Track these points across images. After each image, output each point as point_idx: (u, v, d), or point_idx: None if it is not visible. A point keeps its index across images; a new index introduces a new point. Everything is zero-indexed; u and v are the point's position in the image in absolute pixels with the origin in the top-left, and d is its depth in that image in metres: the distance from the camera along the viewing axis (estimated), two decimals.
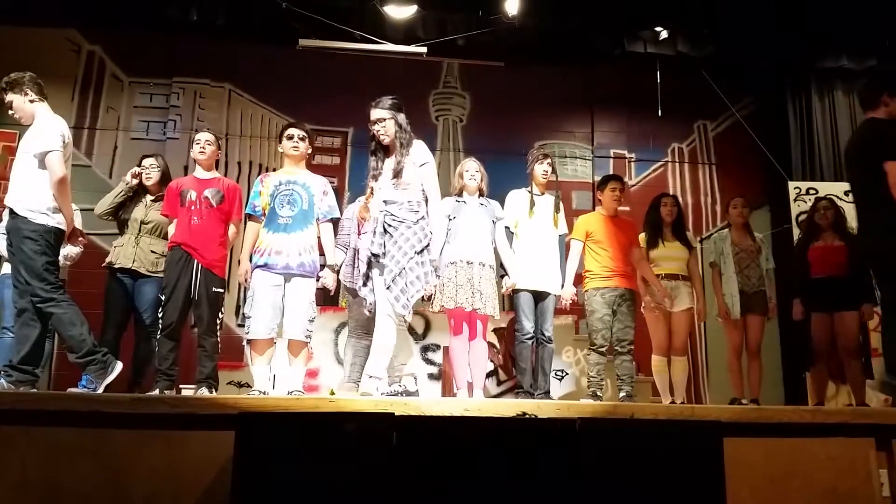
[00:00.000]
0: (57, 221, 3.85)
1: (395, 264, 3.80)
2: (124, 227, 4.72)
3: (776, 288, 5.44)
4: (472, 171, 4.74)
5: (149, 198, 4.79)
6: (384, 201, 3.91)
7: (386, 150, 4.00)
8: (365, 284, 3.93)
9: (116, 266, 4.61)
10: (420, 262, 3.86)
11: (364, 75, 7.64)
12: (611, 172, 7.57)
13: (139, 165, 4.83)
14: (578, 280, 5.13)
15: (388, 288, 3.78)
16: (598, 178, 6.16)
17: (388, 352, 3.85)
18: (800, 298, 5.30)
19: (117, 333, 4.57)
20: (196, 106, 7.53)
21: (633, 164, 8.16)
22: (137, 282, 4.61)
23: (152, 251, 4.64)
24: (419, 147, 4.00)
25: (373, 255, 3.86)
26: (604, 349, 4.94)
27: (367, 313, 4.01)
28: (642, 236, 5.34)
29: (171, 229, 4.46)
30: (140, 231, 4.67)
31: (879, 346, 6.27)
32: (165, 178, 4.83)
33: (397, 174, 3.90)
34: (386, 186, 3.93)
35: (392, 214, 3.88)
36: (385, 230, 3.85)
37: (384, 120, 3.94)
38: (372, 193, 4.57)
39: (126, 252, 4.61)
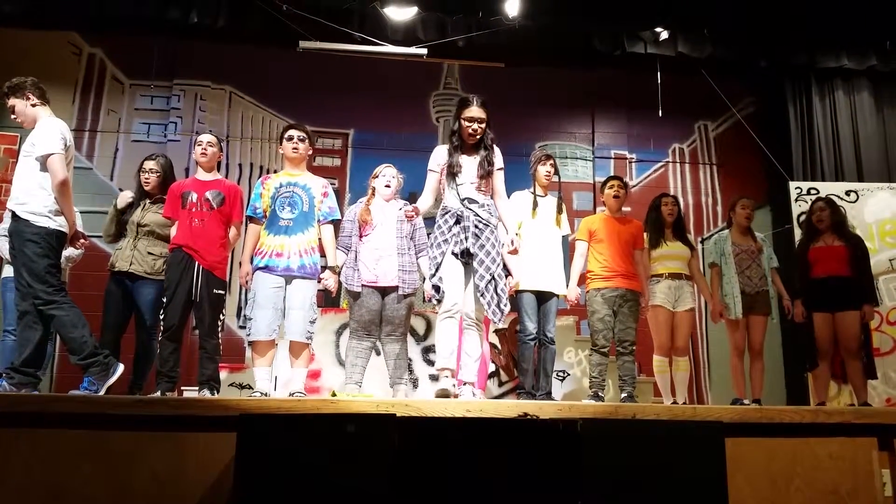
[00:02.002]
0: (59, 224, 3.85)
1: (485, 270, 3.77)
2: (124, 231, 4.69)
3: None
4: None
5: (147, 200, 4.74)
6: (467, 199, 3.87)
7: (464, 148, 3.95)
8: (441, 279, 3.80)
9: (115, 269, 4.59)
10: (504, 269, 3.88)
11: (364, 77, 7.67)
12: (612, 173, 7.59)
13: (140, 168, 4.81)
14: (582, 280, 5.14)
15: (480, 294, 3.75)
16: (599, 179, 6.16)
17: (479, 359, 3.90)
18: (801, 299, 5.31)
19: (117, 335, 4.54)
20: (197, 108, 7.53)
21: (633, 164, 8.16)
22: (136, 284, 4.57)
23: (150, 253, 4.59)
24: (498, 151, 4.01)
25: (465, 252, 3.78)
26: (605, 350, 4.94)
27: (436, 302, 3.89)
28: (644, 236, 5.35)
29: (173, 231, 4.46)
30: (138, 234, 4.62)
31: (882, 345, 6.29)
32: (167, 179, 4.81)
33: (487, 175, 3.90)
34: (466, 184, 3.89)
35: (478, 216, 3.85)
36: (474, 231, 3.82)
37: (484, 120, 3.91)
38: (374, 194, 4.58)
39: (124, 255, 4.58)
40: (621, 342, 4.96)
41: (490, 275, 3.77)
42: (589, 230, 5.13)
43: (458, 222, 3.83)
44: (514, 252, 3.92)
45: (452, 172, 3.90)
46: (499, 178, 3.99)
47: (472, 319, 3.82)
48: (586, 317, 5.14)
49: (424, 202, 4.00)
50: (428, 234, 4.69)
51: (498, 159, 3.97)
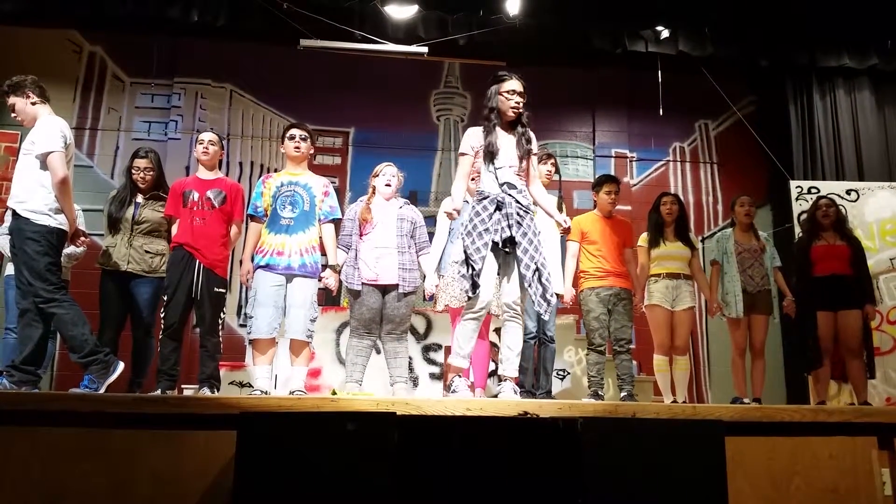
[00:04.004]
0: (59, 222, 3.85)
1: (530, 259, 3.58)
2: (116, 227, 4.61)
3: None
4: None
5: (140, 197, 4.68)
6: (507, 184, 3.65)
7: (503, 127, 3.73)
8: (479, 274, 3.57)
9: (110, 268, 4.53)
10: (546, 259, 3.69)
11: (365, 75, 7.67)
12: (612, 172, 7.59)
13: (132, 164, 4.72)
14: (576, 280, 5.14)
15: (528, 285, 3.58)
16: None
17: (520, 352, 3.74)
18: (797, 297, 5.31)
19: (115, 333, 4.51)
20: (197, 106, 7.53)
21: (634, 163, 8.16)
22: (132, 282, 4.55)
23: (147, 251, 4.56)
24: (531, 133, 3.81)
25: (506, 241, 3.59)
26: (602, 348, 4.95)
27: (468, 296, 3.62)
28: (644, 236, 5.36)
29: (175, 230, 4.46)
30: (133, 231, 4.57)
31: (882, 344, 6.29)
32: (160, 174, 4.79)
33: (527, 155, 3.70)
34: (505, 168, 3.67)
35: (518, 202, 3.64)
36: (517, 219, 3.62)
37: (524, 95, 3.72)
38: (374, 193, 4.58)
39: (119, 253, 4.52)
40: (618, 341, 4.96)
41: (535, 264, 3.58)
42: (581, 231, 5.11)
43: (498, 209, 3.61)
44: (567, 231, 3.77)
45: (491, 153, 3.68)
46: (534, 162, 3.82)
47: (517, 310, 3.64)
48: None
49: (459, 189, 3.75)
50: (430, 234, 4.70)
51: (535, 144, 3.81)
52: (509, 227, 3.59)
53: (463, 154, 3.77)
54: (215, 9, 7.07)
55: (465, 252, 3.62)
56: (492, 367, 5.72)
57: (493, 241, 3.59)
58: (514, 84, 3.73)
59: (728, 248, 5.33)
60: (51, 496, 2.72)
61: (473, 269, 3.56)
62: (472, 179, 4.08)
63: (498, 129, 3.73)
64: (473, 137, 3.75)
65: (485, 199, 3.66)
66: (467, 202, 4.64)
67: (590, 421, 2.78)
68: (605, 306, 4.94)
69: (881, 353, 6.24)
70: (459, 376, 3.70)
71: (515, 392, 3.67)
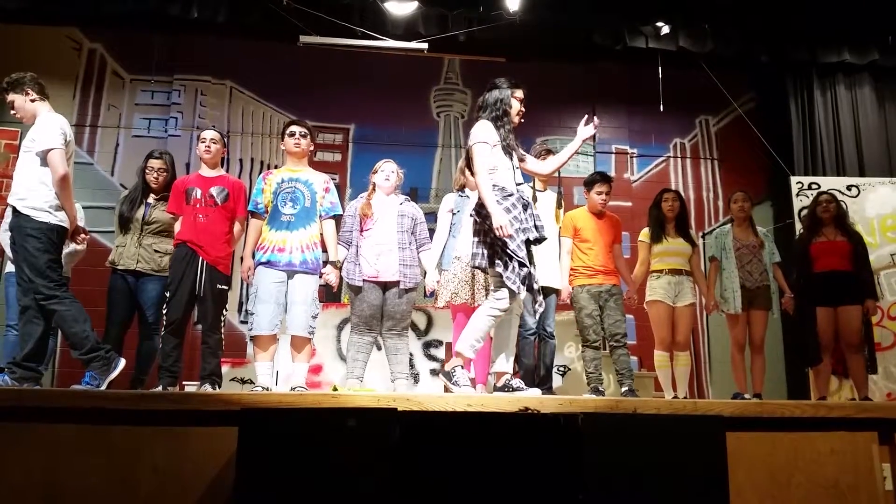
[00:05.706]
0: (59, 219, 3.85)
1: (534, 260, 3.69)
2: (126, 227, 4.66)
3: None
4: None
5: (152, 197, 4.72)
6: (520, 184, 3.69)
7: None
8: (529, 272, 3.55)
9: (120, 267, 4.57)
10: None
11: (365, 72, 7.67)
12: (612, 168, 7.61)
13: (146, 164, 4.76)
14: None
15: (535, 282, 3.66)
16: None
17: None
18: (798, 293, 5.31)
19: (121, 331, 4.54)
20: (197, 103, 7.53)
21: (634, 159, 8.16)
22: (140, 280, 4.57)
23: (156, 251, 4.58)
24: None
25: (539, 240, 3.64)
26: (597, 344, 4.95)
27: (517, 294, 3.51)
28: (645, 231, 5.35)
29: (177, 227, 4.46)
30: (143, 231, 4.61)
31: (883, 340, 6.30)
32: (172, 179, 4.80)
33: (522, 160, 3.79)
34: (517, 169, 3.73)
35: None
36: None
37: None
38: (374, 189, 4.57)
39: (129, 252, 4.55)
40: (613, 336, 4.92)
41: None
42: (574, 227, 5.09)
43: (525, 208, 3.63)
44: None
45: (510, 149, 3.68)
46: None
47: (522, 307, 3.76)
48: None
49: (489, 190, 3.54)
50: (430, 230, 4.70)
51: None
52: (536, 228, 3.62)
53: (484, 143, 3.63)
54: (215, 5, 7.07)
55: (504, 249, 3.50)
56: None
57: (527, 239, 3.61)
58: (522, 92, 3.78)
59: (726, 244, 5.33)
60: (52, 493, 2.73)
61: (522, 266, 3.50)
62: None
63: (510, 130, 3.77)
64: (491, 131, 3.68)
65: (510, 195, 3.61)
66: (467, 196, 4.67)
67: (591, 416, 2.78)
68: (597, 302, 4.93)
69: (882, 348, 6.25)
70: (461, 367, 3.67)
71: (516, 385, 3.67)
